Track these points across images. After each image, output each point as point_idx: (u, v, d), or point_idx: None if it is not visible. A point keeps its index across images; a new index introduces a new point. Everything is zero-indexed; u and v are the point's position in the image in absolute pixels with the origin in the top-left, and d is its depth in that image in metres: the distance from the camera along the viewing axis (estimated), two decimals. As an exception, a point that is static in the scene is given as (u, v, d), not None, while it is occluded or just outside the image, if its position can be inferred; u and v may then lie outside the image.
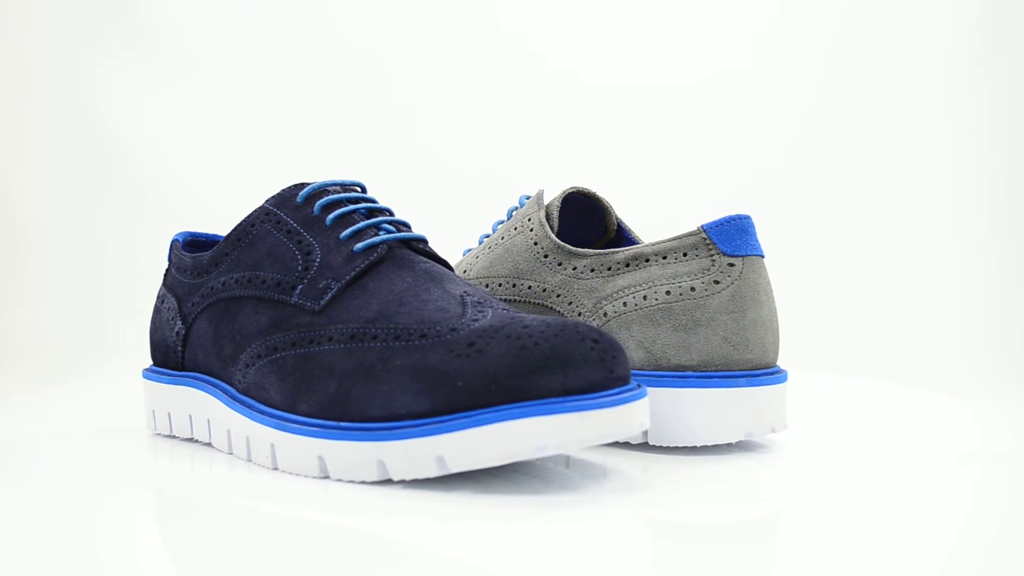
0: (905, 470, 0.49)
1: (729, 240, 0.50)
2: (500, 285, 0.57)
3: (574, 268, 0.54)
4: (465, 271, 0.60)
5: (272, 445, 0.46)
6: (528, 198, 0.60)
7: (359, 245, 0.49)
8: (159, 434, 0.58)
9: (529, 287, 0.56)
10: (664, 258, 0.51)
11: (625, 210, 0.64)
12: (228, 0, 1.19)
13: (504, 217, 0.62)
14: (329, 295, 0.47)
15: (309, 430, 0.44)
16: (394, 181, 0.98)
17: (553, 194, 0.60)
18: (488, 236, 0.63)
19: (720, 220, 0.50)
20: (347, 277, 0.47)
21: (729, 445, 0.52)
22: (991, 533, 0.38)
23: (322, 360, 0.45)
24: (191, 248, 0.61)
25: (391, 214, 0.53)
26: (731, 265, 0.50)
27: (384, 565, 0.33)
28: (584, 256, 0.54)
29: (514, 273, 0.57)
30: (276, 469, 0.46)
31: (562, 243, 0.55)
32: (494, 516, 0.38)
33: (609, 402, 0.40)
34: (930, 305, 1.07)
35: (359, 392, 0.43)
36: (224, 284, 0.52)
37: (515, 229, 0.58)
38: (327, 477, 0.44)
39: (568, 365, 0.40)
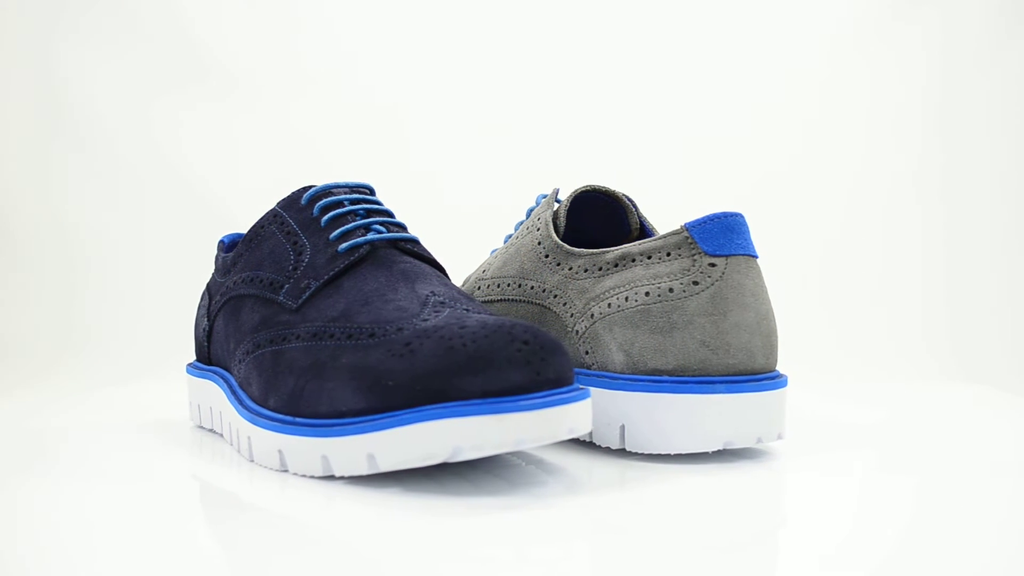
0: (892, 495, 0.45)
1: (711, 239, 0.47)
2: (509, 285, 0.57)
3: (570, 268, 0.53)
4: (484, 271, 0.60)
5: (249, 438, 0.49)
6: (544, 197, 0.59)
7: (343, 245, 0.50)
8: (201, 426, 0.61)
9: (532, 287, 0.55)
10: (649, 258, 0.49)
11: (652, 208, 0.62)
12: (248, 11, 1.23)
13: (524, 217, 0.62)
14: (307, 294, 0.49)
15: (272, 424, 0.46)
16: (412, 185, 0.99)
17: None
18: (511, 236, 0.63)
19: (703, 218, 0.48)
20: (325, 277, 0.49)
21: (719, 454, 0.49)
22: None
23: (287, 357, 0.47)
24: (230, 249, 0.64)
25: (391, 216, 0.54)
26: (712, 265, 0.47)
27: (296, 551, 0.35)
28: (579, 256, 0.53)
29: (520, 273, 0.57)
30: (252, 461, 0.48)
31: (561, 243, 0.54)
32: (430, 510, 0.39)
33: (529, 405, 0.39)
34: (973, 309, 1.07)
35: (311, 389, 0.44)
36: (235, 283, 0.55)
37: (527, 229, 0.58)
38: (286, 471, 0.45)
39: (490, 367, 0.40)
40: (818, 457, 0.51)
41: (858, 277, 1.11)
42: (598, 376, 0.50)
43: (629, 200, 0.60)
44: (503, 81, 1.21)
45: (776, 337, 0.49)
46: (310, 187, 0.55)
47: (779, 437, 0.48)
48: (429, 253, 0.53)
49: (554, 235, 0.55)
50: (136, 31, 1.16)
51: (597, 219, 0.60)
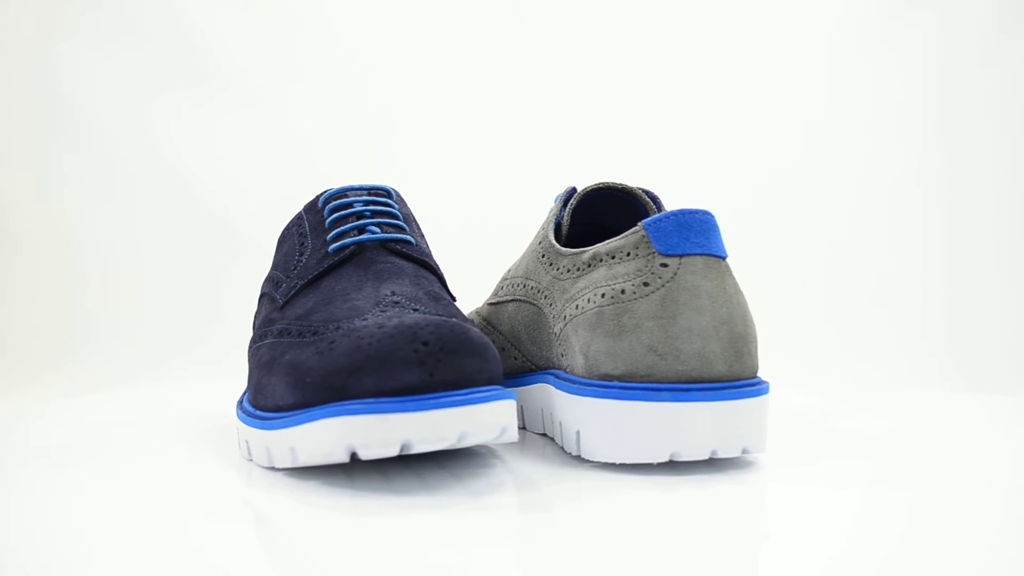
0: (882, 512, 0.40)
1: (664, 238, 0.45)
2: (517, 285, 0.57)
3: (557, 269, 0.52)
4: (508, 270, 0.60)
5: (237, 430, 0.52)
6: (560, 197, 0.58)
7: (333, 246, 0.52)
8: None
9: (532, 287, 0.55)
10: (613, 258, 0.47)
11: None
12: (247, 11, 1.24)
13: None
14: (291, 293, 0.51)
15: (242, 416, 0.49)
16: (429, 186, 0.98)
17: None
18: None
19: (660, 215, 0.45)
20: (310, 276, 0.51)
21: (683, 465, 0.46)
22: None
23: (260, 353, 0.50)
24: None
25: (397, 218, 0.56)
26: (663, 266, 0.44)
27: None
28: (565, 256, 0.52)
29: (526, 273, 0.56)
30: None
31: (554, 242, 0.53)
32: (348, 509, 0.40)
33: (415, 406, 0.39)
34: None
35: (263, 383, 0.47)
36: (264, 282, 0.59)
37: (540, 229, 0.57)
38: (251, 460, 0.48)
39: (385, 366, 0.40)
40: (806, 468, 0.47)
41: (858, 279, 1.12)
42: (564, 380, 0.49)
43: (650, 195, 0.57)
44: (526, 83, 1.23)
45: (747, 343, 0.45)
46: (329, 189, 0.57)
47: (744, 451, 0.44)
48: (422, 254, 0.54)
49: (551, 234, 0.54)
50: (135, 32, 1.19)
51: (622, 217, 0.58)
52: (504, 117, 1.22)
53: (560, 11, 1.23)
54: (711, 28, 1.21)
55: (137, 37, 1.19)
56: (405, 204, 0.59)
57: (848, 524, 0.39)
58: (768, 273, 1.06)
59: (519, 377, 0.57)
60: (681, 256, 0.44)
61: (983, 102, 1.14)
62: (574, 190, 0.57)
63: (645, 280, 0.45)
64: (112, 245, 1.16)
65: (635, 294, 0.45)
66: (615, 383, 0.45)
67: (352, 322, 0.45)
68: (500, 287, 0.60)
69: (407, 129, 1.22)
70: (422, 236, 0.58)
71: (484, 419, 0.41)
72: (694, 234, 0.45)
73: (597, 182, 0.56)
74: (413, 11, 1.24)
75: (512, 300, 0.58)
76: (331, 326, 0.45)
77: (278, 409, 0.45)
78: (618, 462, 0.45)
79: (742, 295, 0.46)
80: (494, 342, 0.61)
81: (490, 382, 0.42)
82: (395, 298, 0.47)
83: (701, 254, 0.45)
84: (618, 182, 0.57)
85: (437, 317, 0.43)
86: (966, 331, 1.03)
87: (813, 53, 1.20)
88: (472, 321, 0.51)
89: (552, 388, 0.51)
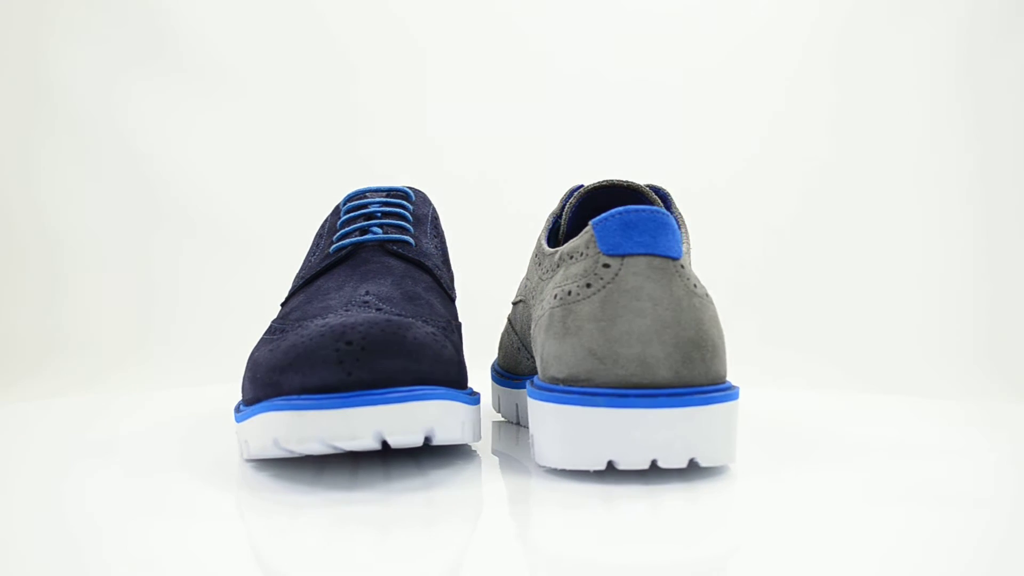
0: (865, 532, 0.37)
1: (608, 237, 0.43)
2: (523, 285, 0.57)
3: (543, 268, 0.51)
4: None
5: (243, 423, 0.55)
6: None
7: (334, 246, 0.55)
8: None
9: (529, 287, 0.54)
10: (571, 258, 0.46)
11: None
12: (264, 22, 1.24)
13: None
14: (292, 291, 0.54)
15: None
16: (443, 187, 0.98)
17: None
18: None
19: (606, 214, 0.44)
20: (310, 275, 0.54)
21: (667, 473, 0.44)
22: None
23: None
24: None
25: (405, 219, 0.57)
26: (606, 266, 0.43)
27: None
28: (546, 256, 0.51)
29: (527, 273, 0.56)
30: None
31: (542, 242, 0.53)
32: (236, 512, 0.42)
33: (329, 404, 0.41)
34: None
35: (243, 378, 0.50)
36: None
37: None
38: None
39: (307, 364, 0.42)
40: (785, 479, 0.45)
41: (859, 279, 1.14)
42: (531, 384, 0.48)
43: (660, 193, 0.55)
44: (539, 84, 1.26)
45: (700, 349, 0.42)
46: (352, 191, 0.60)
47: (694, 463, 0.42)
48: (420, 255, 0.55)
49: (544, 234, 0.53)
50: (119, 23, 1.22)
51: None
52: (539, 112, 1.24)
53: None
54: (722, 27, 1.25)
55: (120, 28, 1.23)
56: (427, 205, 0.61)
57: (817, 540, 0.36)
58: (771, 273, 1.12)
59: (526, 378, 0.57)
60: (623, 256, 0.43)
61: (983, 101, 1.18)
62: (578, 188, 0.56)
63: (588, 281, 0.43)
64: (98, 242, 1.20)
65: (579, 296, 0.43)
66: (559, 387, 0.44)
67: (313, 321, 0.47)
68: (519, 287, 0.60)
69: (407, 127, 1.25)
70: (437, 237, 0.59)
71: (401, 419, 0.41)
72: (638, 233, 0.43)
73: (601, 179, 0.55)
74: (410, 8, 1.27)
75: (521, 300, 0.57)
76: (296, 325, 0.47)
77: (248, 403, 0.47)
78: (560, 468, 0.44)
79: (700, 297, 0.43)
80: (512, 343, 0.61)
81: (419, 382, 0.43)
82: (367, 298, 0.49)
83: (644, 254, 0.43)
84: (623, 179, 0.55)
85: (382, 317, 0.44)
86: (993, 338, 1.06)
87: (819, 52, 1.23)
88: (449, 324, 0.51)
89: (524, 391, 0.51)
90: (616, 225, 0.43)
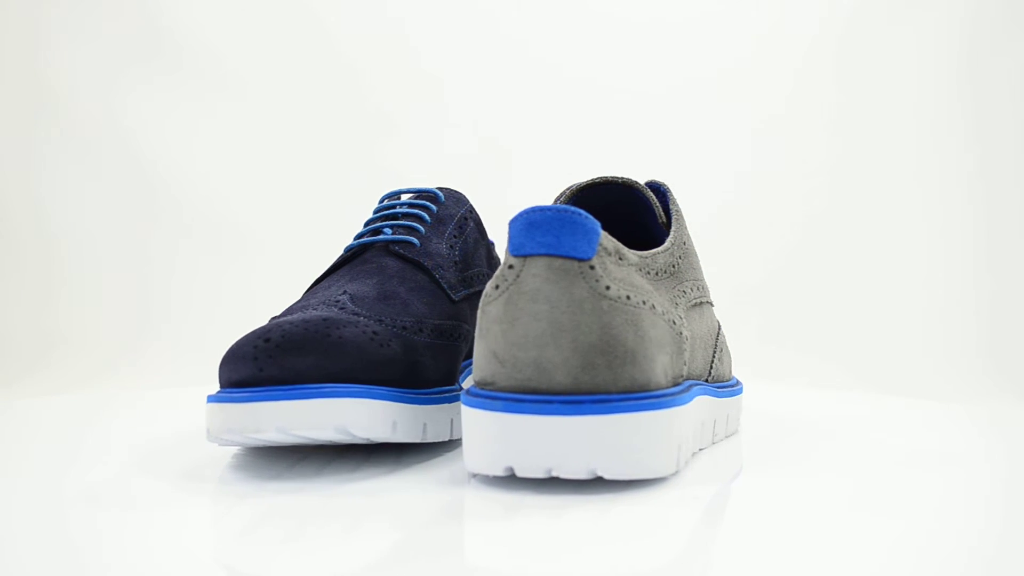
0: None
1: (514, 237, 0.42)
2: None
3: (515, 271, 0.51)
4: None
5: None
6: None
7: (347, 245, 0.57)
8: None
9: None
10: (502, 259, 0.45)
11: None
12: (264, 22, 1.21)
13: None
14: (306, 291, 0.57)
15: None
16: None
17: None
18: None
19: (520, 212, 0.42)
20: (322, 273, 0.57)
21: (577, 483, 0.42)
22: None
23: None
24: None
25: (422, 220, 0.59)
26: (510, 267, 0.42)
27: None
28: (515, 258, 0.50)
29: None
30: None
31: (522, 244, 0.52)
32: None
33: (239, 398, 0.43)
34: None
35: None
36: None
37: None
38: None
39: (233, 360, 0.45)
40: (785, 482, 0.45)
41: (859, 279, 1.13)
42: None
43: (659, 189, 0.53)
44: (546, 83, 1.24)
45: (604, 355, 0.40)
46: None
47: (596, 475, 0.40)
48: (423, 255, 0.56)
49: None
50: (117, 22, 1.21)
51: (642, 212, 0.54)
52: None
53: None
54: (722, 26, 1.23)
55: (119, 28, 1.23)
56: (460, 206, 0.61)
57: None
58: (771, 273, 1.12)
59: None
60: (526, 257, 0.41)
61: (982, 102, 1.17)
62: (565, 191, 0.54)
63: (497, 283, 0.42)
64: (96, 241, 1.21)
65: (490, 297, 0.43)
66: (472, 388, 0.43)
67: (282, 318, 0.49)
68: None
69: (407, 127, 1.25)
70: (458, 237, 0.59)
71: (305, 415, 0.43)
72: (541, 233, 0.41)
73: (594, 176, 0.53)
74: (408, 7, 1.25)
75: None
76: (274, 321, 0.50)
77: (229, 394, 0.51)
78: (471, 472, 0.43)
79: (611, 300, 0.41)
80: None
81: (332, 380, 0.44)
82: (340, 297, 0.51)
83: (545, 255, 0.41)
84: (619, 175, 0.53)
85: (317, 316, 0.46)
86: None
87: (819, 52, 1.21)
88: (422, 324, 0.52)
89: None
90: (521, 225, 0.42)
